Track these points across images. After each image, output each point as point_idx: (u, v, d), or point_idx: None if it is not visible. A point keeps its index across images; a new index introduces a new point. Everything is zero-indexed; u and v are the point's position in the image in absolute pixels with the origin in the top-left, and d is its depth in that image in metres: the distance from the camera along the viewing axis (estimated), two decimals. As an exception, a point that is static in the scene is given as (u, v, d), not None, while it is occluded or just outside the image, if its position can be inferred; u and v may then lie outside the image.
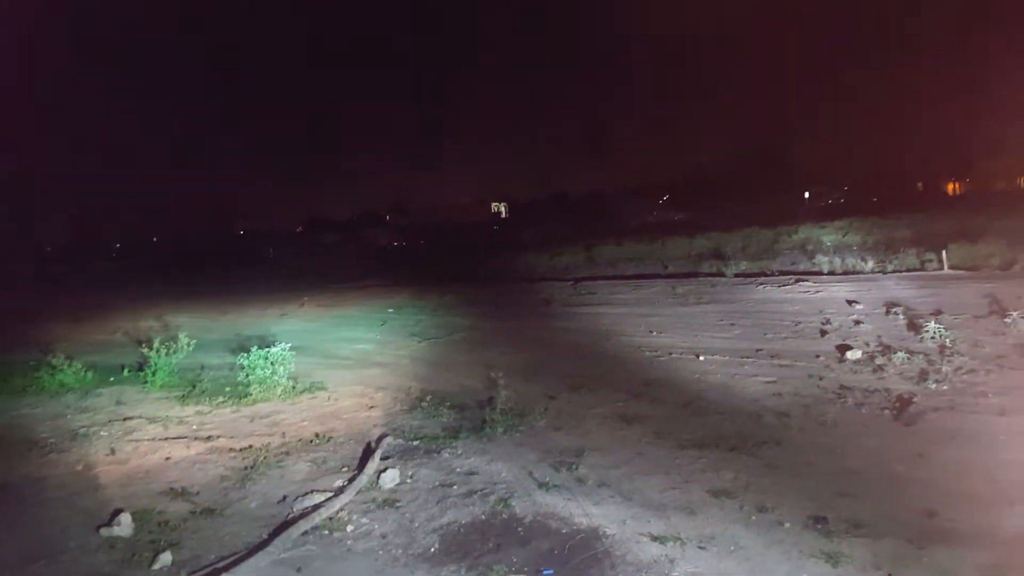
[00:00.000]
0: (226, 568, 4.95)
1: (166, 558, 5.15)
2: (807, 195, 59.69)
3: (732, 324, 12.27)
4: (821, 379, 8.75)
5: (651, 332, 12.39)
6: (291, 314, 19.02)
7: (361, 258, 41.98)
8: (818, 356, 9.74)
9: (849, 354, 9.47)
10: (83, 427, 8.64)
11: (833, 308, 12.40)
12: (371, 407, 8.99)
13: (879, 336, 10.27)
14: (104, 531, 5.65)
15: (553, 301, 16.94)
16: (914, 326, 10.39)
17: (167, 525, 5.76)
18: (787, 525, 5.11)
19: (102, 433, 8.40)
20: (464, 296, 19.25)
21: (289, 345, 10.18)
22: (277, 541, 5.26)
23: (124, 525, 5.67)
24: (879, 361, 9.00)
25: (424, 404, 8.87)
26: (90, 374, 11.10)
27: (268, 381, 9.67)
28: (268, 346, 10.05)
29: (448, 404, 8.75)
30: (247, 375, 9.78)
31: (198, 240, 64.21)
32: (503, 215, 78.75)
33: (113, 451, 7.71)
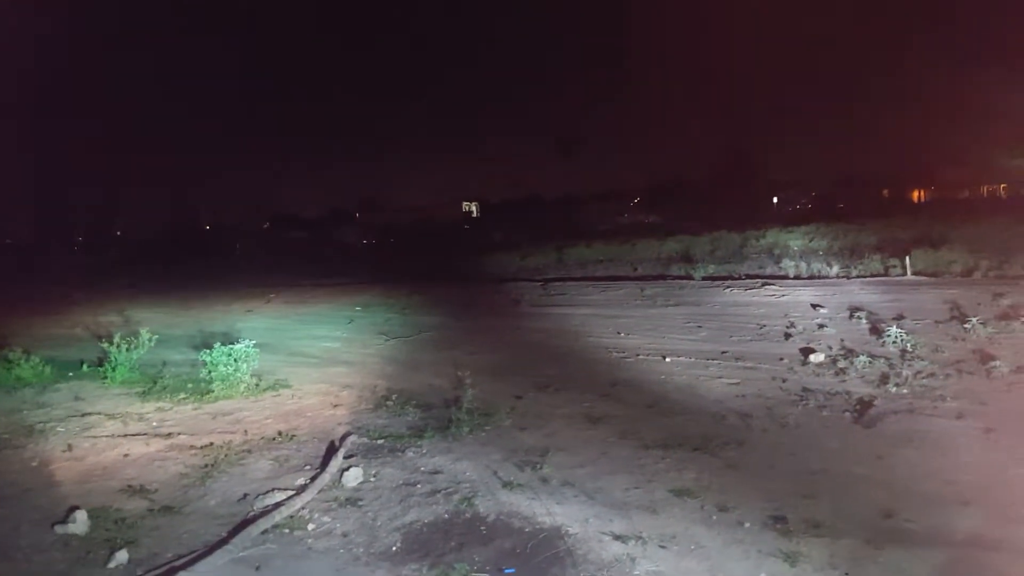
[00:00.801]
0: (183, 566, 4.86)
1: (122, 556, 5.04)
2: (775, 200, 60.55)
3: (699, 326, 12.39)
4: (784, 381, 8.87)
5: (619, 333, 12.46)
6: (257, 311, 18.78)
7: (329, 255, 41.63)
8: (782, 359, 9.87)
9: (812, 357, 9.61)
10: (39, 423, 8.44)
11: (798, 312, 12.59)
12: (336, 405, 8.90)
13: (842, 340, 10.45)
14: (59, 528, 5.51)
15: (522, 301, 16.96)
16: (876, 330, 10.59)
17: (124, 523, 5.64)
18: (747, 525, 5.16)
19: (59, 429, 8.21)
20: (433, 295, 19.18)
21: (253, 342, 10.04)
22: (236, 539, 5.18)
23: (79, 523, 5.54)
24: (841, 364, 9.16)
25: (390, 403, 8.81)
26: (48, 369, 10.84)
27: (231, 378, 9.52)
28: (232, 343, 9.91)
29: (414, 403, 8.71)
30: (210, 372, 9.62)
31: (162, 234, 63.13)
32: (474, 215, 78.59)
33: (70, 447, 7.54)
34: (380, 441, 7.37)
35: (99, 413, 8.81)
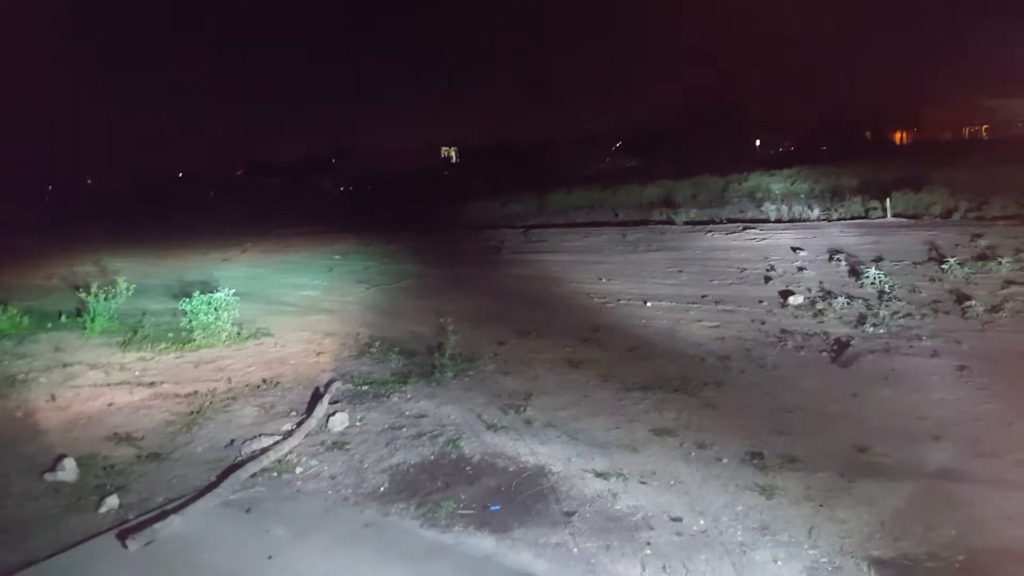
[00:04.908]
0: (175, 510, 4.93)
1: (112, 502, 5.10)
2: (758, 143, 60.29)
3: (680, 271, 12.48)
4: (763, 323, 9.01)
5: (600, 279, 12.52)
6: (233, 260, 18.62)
7: (305, 203, 41.06)
8: (761, 301, 10.00)
9: (791, 299, 9.74)
10: (21, 373, 8.39)
11: (778, 255, 12.69)
12: (319, 353, 8.93)
13: (821, 282, 10.58)
14: (48, 476, 5.56)
15: (503, 248, 16.93)
16: (855, 272, 10.72)
17: (113, 470, 5.70)
18: (725, 461, 5.32)
19: (41, 379, 8.17)
20: (413, 243, 19.08)
21: (233, 291, 9.98)
22: (226, 483, 5.26)
23: (68, 470, 5.58)
24: (820, 306, 9.30)
25: (373, 350, 8.85)
26: (26, 319, 10.74)
27: (212, 327, 9.50)
28: (211, 292, 9.85)
29: (397, 350, 8.75)
30: (190, 321, 9.59)
31: (135, 183, 61.75)
32: (453, 160, 77.59)
33: (53, 397, 7.52)
34: (364, 387, 7.43)
35: (80, 363, 8.76)
